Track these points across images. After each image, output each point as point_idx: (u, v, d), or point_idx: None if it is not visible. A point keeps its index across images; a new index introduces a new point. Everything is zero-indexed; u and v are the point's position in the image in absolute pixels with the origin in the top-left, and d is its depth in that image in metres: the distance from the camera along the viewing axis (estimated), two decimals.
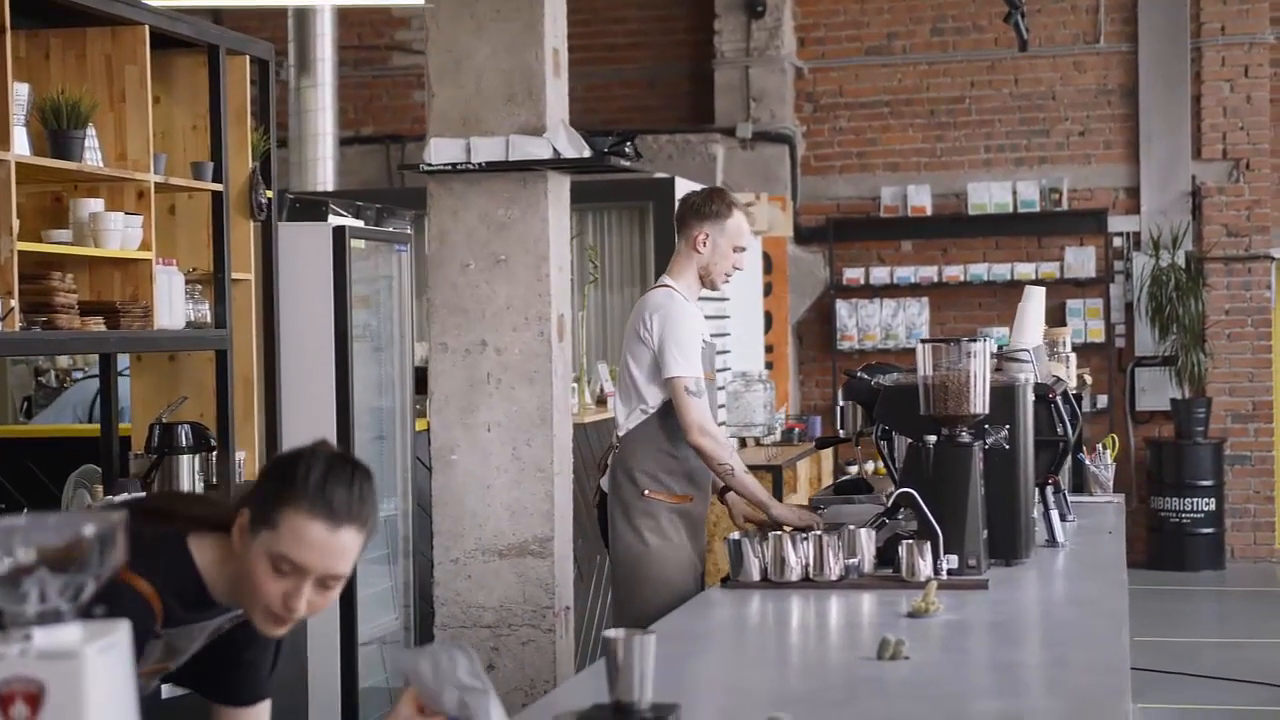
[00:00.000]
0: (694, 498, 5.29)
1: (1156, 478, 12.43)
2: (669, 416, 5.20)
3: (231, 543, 2.63)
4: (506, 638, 5.80)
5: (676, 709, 2.77)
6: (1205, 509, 12.30)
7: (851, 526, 4.41)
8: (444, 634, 5.71)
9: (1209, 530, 12.34)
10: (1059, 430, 5.05)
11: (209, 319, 5.66)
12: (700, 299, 5.44)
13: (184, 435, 5.44)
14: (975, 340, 4.43)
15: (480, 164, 5.79)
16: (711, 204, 5.34)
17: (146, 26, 5.29)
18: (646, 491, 5.22)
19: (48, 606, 1.73)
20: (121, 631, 1.78)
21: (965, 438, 4.41)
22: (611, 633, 2.69)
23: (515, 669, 5.79)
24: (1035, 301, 5.60)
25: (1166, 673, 8.80)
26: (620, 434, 5.31)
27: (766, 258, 12.35)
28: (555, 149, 5.79)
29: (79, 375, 9.04)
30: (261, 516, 2.56)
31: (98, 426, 5.78)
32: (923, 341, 4.47)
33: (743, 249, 5.38)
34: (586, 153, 5.84)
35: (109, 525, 1.75)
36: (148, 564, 2.57)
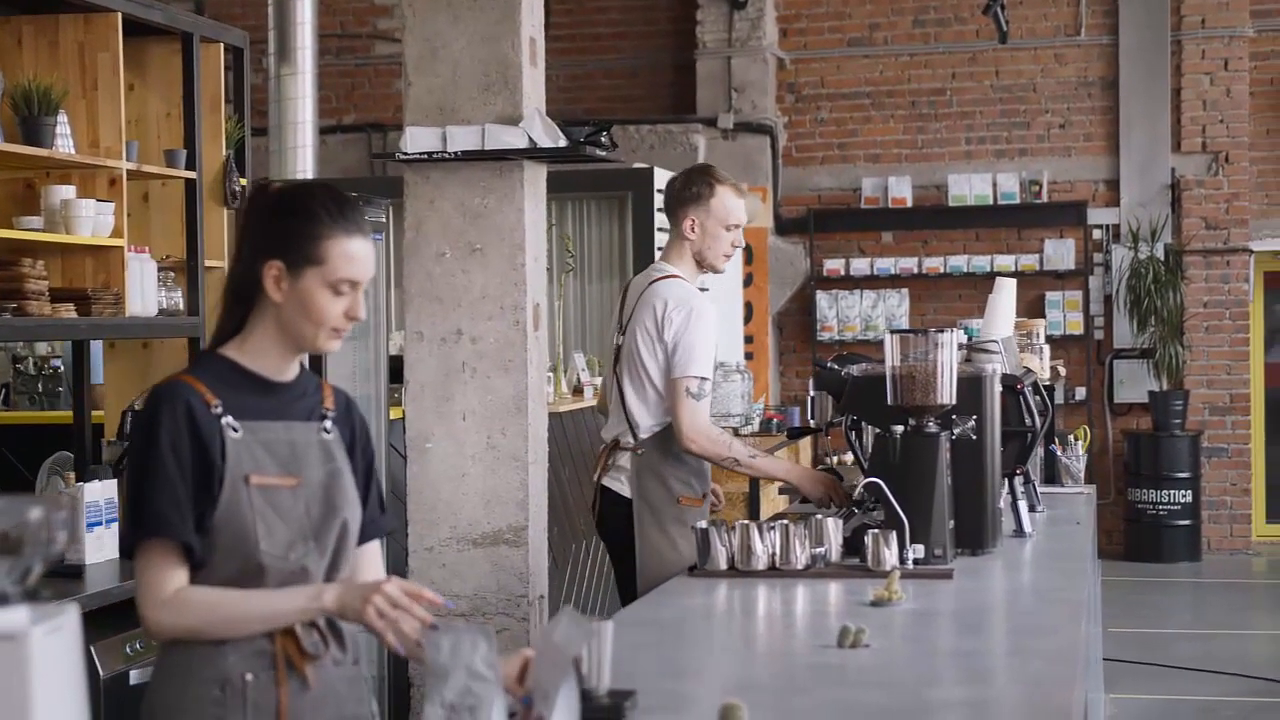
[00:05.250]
0: (707, 494, 5.24)
1: (1134, 469, 12.48)
2: None
3: (264, 309, 2.87)
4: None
5: (633, 695, 2.79)
6: (1182, 501, 12.35)
7: (819, 516, 4.44)
8: (476, 618, 5.70)
9: (1186, 522, 12.39)
10: (1027, 421, 5.06)
11: (182, 306, 5.66)
12: None
13: None
14: (943, 331, 4.44)
15: (456, 153, 5.80)
16: (691, 186, 5.14)
17: (119, 14, 5.28)
18: (681, 498, 5.08)
19: None
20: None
21: (932, 428, 4.43)
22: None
23: None
24: (1006, 293, 5.62)
25: (1141, 663, 8.84)
26: (642, 435, 5.11)
27: (747, 249, 12.37)
28: (531, 138, 5.79)
29: (58, 364, 9.03)
30: (301, 260, 2.84)
31: (70, 414, 5.77)
32: (891, 332, 4.49)
33: (736, 226, 5.14)
34: (562, 142, 5.84)
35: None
36: (188, 371, 2.93)
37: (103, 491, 4.94)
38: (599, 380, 8.32)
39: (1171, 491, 12.35)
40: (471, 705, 2.57)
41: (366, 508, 3.01)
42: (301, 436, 2.92)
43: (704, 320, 5.05)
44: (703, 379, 5.00)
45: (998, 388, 4.71)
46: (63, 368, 9.15)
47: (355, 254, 2.85)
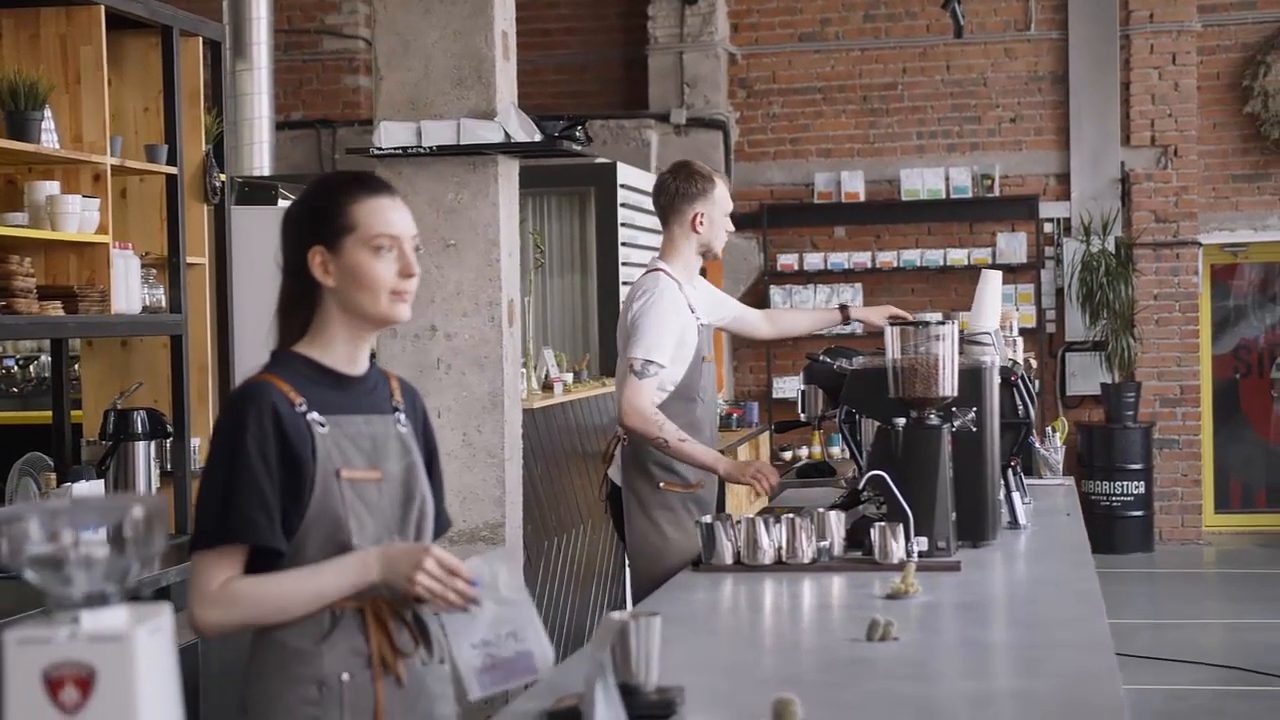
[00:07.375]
0: (704, 483, 5.24)
1: (1087, 461, 12.56)
2: (674, 404, 5.12)
3: (325, 301, 2.85)
4: None
5: (681, 691, 2.77)
6: (1135, 492, 12.45)
7: (821, 509, 4.42)
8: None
9: (1138, 513, 12.49)
10: (1021, 412, 5.08)
11: (164, 303, 5.58)
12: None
13: (140, 421, 5.36)
14: (944, 323, 4.44)
15: (431, 148, 5.75)
16: (696, 183, 5.31)
17: (102, 6, 5.20)
18: (662, 484, 5.16)
19: (95, 589, 1.71)
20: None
21: (934, 420, 4.42)
22: (618, 615, 2.69)
23: None
24: (993, 284, 5.62)
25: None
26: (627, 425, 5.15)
27: None
28: (506, 133, 5.76)
29: (11, 363, 8.92)
30: (336, 233, 2.84)
31: (49, 413, 5.68)
32: (892, 324, 4.48)
33: (730, 211, 5.44)
34: (537, 137, 5.81)
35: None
36: (267, 370, 2.88)
37: (90, 492, 4.87)
38: (569, 376, 8.29)
39: (1124, 483, 12.44)
40: (510, 631, 2.56)
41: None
42: (381, 430, 2.90)
43: (661, 304, 5.13)
44: (648, 360, 5.07)
45: (996, 379, 4.72)
46: (15, 368, 9.03)
47: (383, 210, 2.86)
